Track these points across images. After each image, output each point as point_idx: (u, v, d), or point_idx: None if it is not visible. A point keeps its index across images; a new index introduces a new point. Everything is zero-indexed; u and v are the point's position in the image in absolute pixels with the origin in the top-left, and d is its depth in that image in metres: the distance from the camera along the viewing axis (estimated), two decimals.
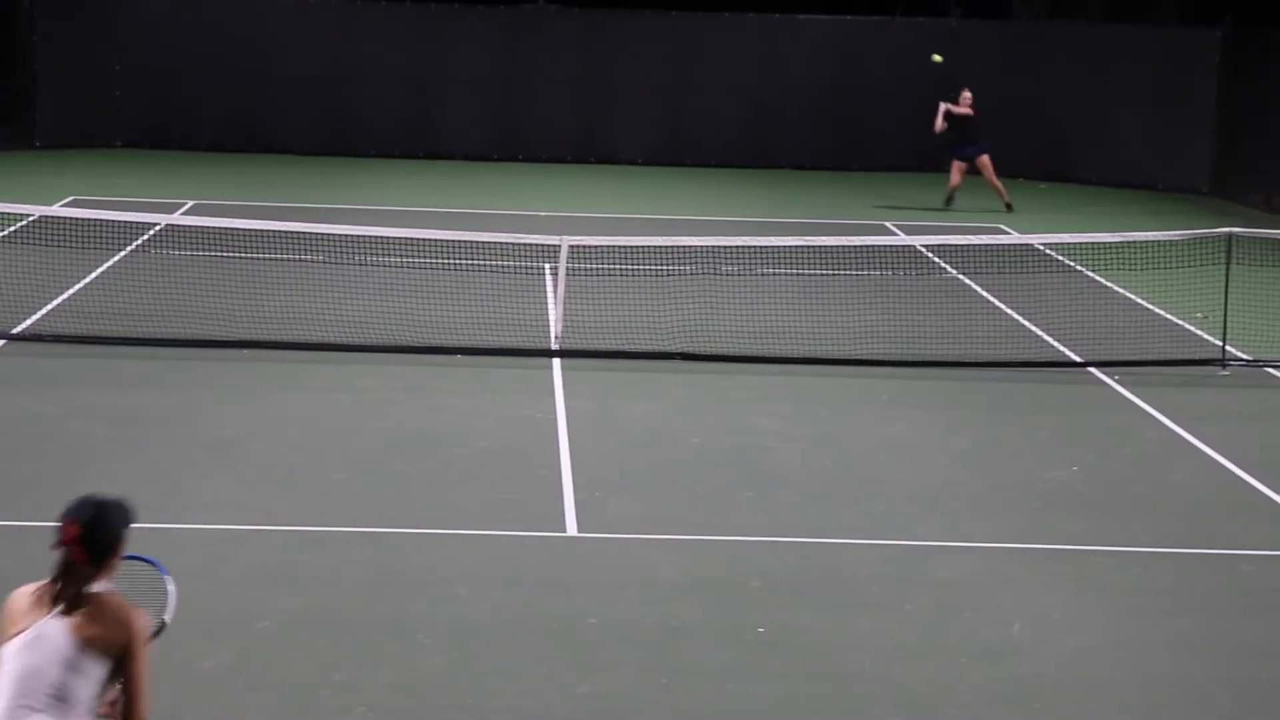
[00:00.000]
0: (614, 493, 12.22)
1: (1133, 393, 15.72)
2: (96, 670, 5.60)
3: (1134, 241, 19.12)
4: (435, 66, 31.78)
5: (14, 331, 16.31)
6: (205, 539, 10.94)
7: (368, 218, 22.39)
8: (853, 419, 14.55)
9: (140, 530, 11.12)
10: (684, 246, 19.22)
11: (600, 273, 19.10)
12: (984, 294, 19.89)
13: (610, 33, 32.15)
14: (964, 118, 27.09)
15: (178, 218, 18.87)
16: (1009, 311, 19.04)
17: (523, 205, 26.22)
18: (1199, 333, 18.09)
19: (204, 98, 31.38)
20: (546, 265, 19.28)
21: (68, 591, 5.65)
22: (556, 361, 16.11)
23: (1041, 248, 21.96)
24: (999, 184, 27.18)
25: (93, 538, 5.72)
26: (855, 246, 19.32)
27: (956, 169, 27.26)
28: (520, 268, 19.52)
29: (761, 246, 19.75)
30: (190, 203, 24.89)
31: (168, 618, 6.25)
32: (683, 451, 13.43)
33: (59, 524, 5.73)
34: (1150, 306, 19.43)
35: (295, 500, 11.78)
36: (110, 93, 31.29)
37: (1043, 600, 10.41)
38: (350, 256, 19.16)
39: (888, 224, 25.27)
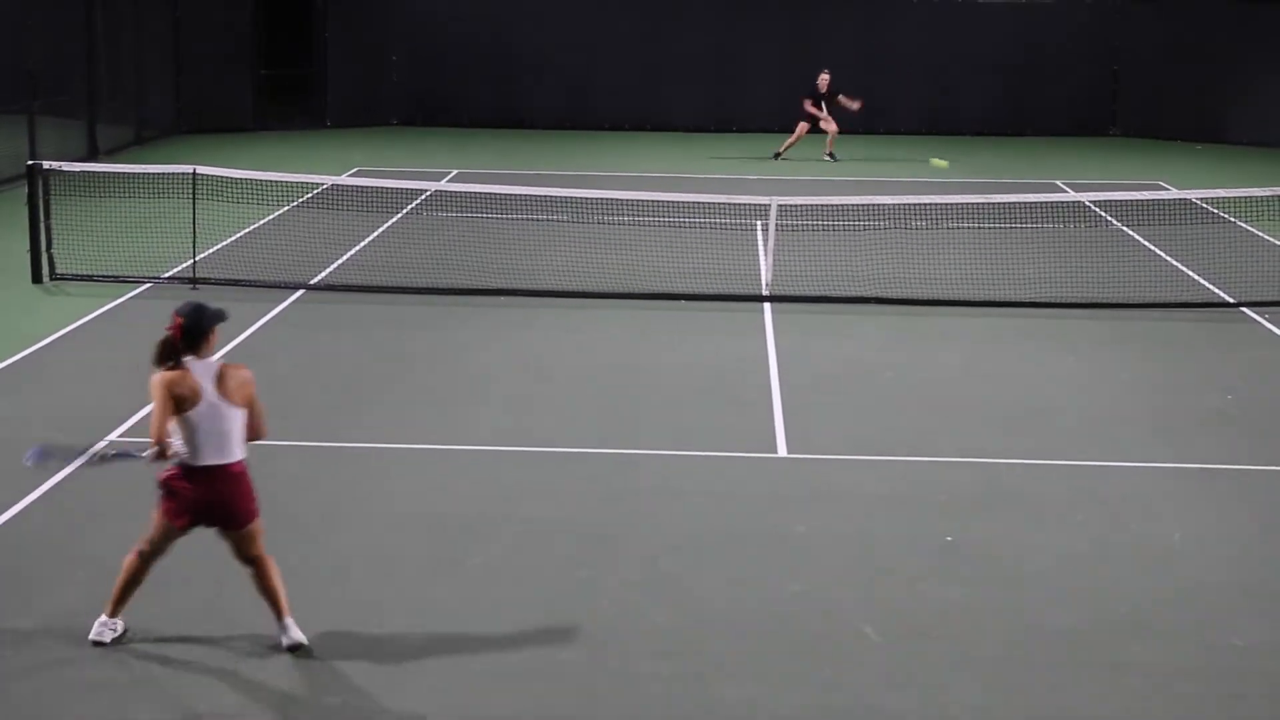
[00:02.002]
0: (818, 419, 12.11)
1: None
2: (244, 415, 7.59)
3: None
4: (660, 48, 31.73)
5: (311, 283, 16.66)
6: (469, 457, 11.08)
7: (602, 183, 22.46)
8: (1027, 355, 14.23)
9: (415, 450, 11.38)
10: (878, 205, 18.94)
11: (805, 229, 18.92)
12: (1145, 243, 19.32)
13: (814, 15, 31.77)
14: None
15: (444, 185, 19.07)
16: (1168, 259, 18.47)
17: (736, 170, 26.08)
18: None
19: (465, 81, 31.73)
20: (758, 222, 19.15)
21: (167, 361, 7.52)
22: (767, 306, 16.00)
23: (1198, 201, 21.23)
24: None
25: (189, 327, 7.55)
26: (1029, 203, 18.86)
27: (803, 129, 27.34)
28: (735, 224, 19.42)
29: (946, 204, 19.39)
30: (454, 171, 25.19)
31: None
32: (877, 384, 13.26)
33: (171, 319, 7.55)
34: None
35: (541, 424, 11.87)
36: (388, 78, 31.79)
37: (1201, 514, 10.10)
38: (587, 216, 19.22)
39: (1058, 182, 24.66)
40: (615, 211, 19.11)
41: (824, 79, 27.69)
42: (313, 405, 12.24)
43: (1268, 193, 18.48)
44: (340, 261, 17.68)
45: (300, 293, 16.23)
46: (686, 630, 8.20)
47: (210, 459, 7.52)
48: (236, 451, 7.60)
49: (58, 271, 16.53)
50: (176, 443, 7.52)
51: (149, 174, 18.27)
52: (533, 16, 31.82)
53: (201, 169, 16.92)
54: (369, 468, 10.77)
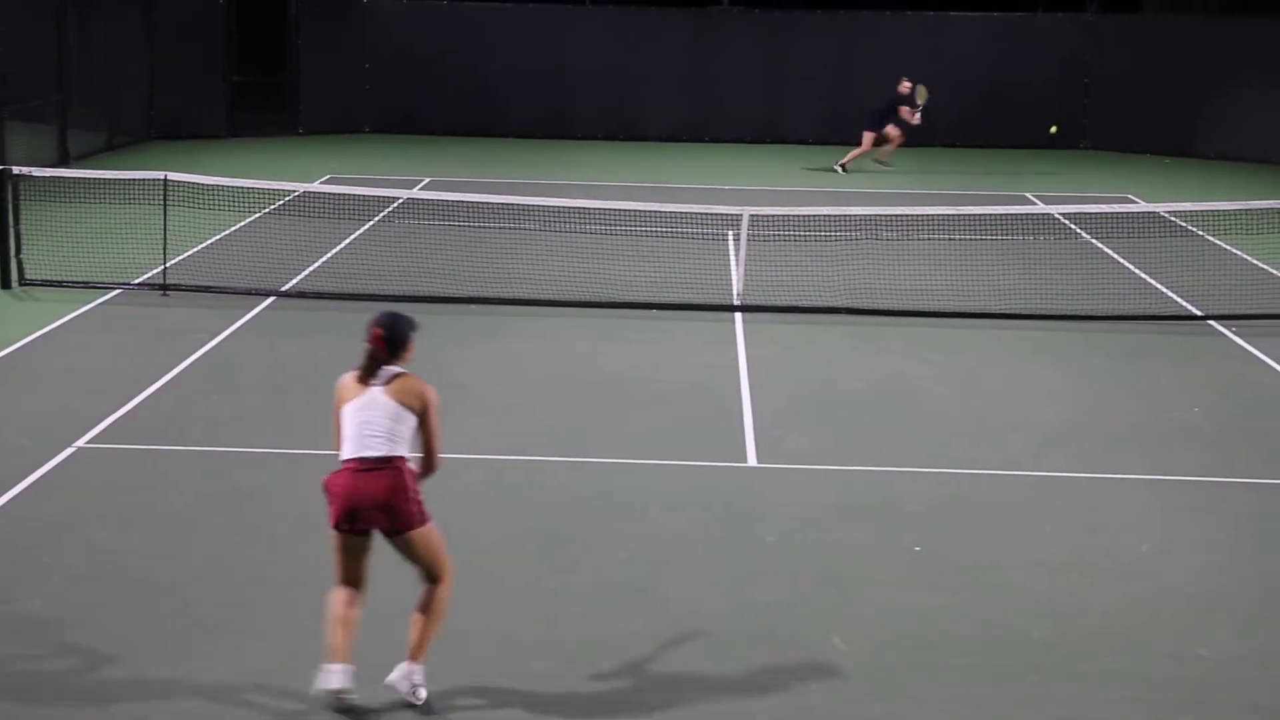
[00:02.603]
0: (789, 428, 12.12)
1: (1249, 343, 15.23)
2: (409, 420, 7.23)
3: (1251, 209, 18.52)
4: (635, 60, 31.76)
5: (283, 289, 16.60)
6: (447, 466, 11.00)
7: (575, 192, 22.45)
8: (997, 366, 14.27)
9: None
10: (849, 215, 18.98)
11: (777, 238, 18.94)
12: (1114, 256, 19.40)
13: (786, 30, 31.85)
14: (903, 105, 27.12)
15: (416, 193, 19.04)
16: (1136, 271, 18.55)
17: (709, 180, 26.11)
18: None
19: (439, 89, 31.70)
20: (730, 232, 19.17)
21: (371, 372, 7.26)
22: (738, 315, 16.01)
23: (1166, 215, 21.33)
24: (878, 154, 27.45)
25: (391, 335, 7.26)
26: (999, 215, 18.93)
27: (869, 138, 27.27)
28: (707, 234, 19.43)
29: (917, 215, 19.43)
30: (426, 179, 25.15)
31: None
32: (848, 393, 13.28)
33: (368, 327, 7.29)
34: (1264, 266, 18.80)
35: (512, 432, 11.85)
36: (361, 86, 31.73)
37: (1168, 525, 10.13)
38: (560, 225, 19.21)
39: (1027, 194, 24.76)
40: (588, 220, 19.11)
41: (906, 86, 27.38)
42: (283, 412, 12.19)
43: (1235, 206, 18.60)
44: (312, 268, 17.63)
45: (271, 299, 16.16)
46: (656, 639, 8.19)
47: (349, 452, 7.21)
48: (381, 449, 7.17)
49: (27, 277, 16.43)
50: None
51: (120, 180, 18.19)
52: (507, 25, 31.82)
53: (173, 175, 16.85)
54: None
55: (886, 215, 19.04)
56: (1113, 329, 15.82)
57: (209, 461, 10.95)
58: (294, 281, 16.98)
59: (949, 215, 19.24)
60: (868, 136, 27.51)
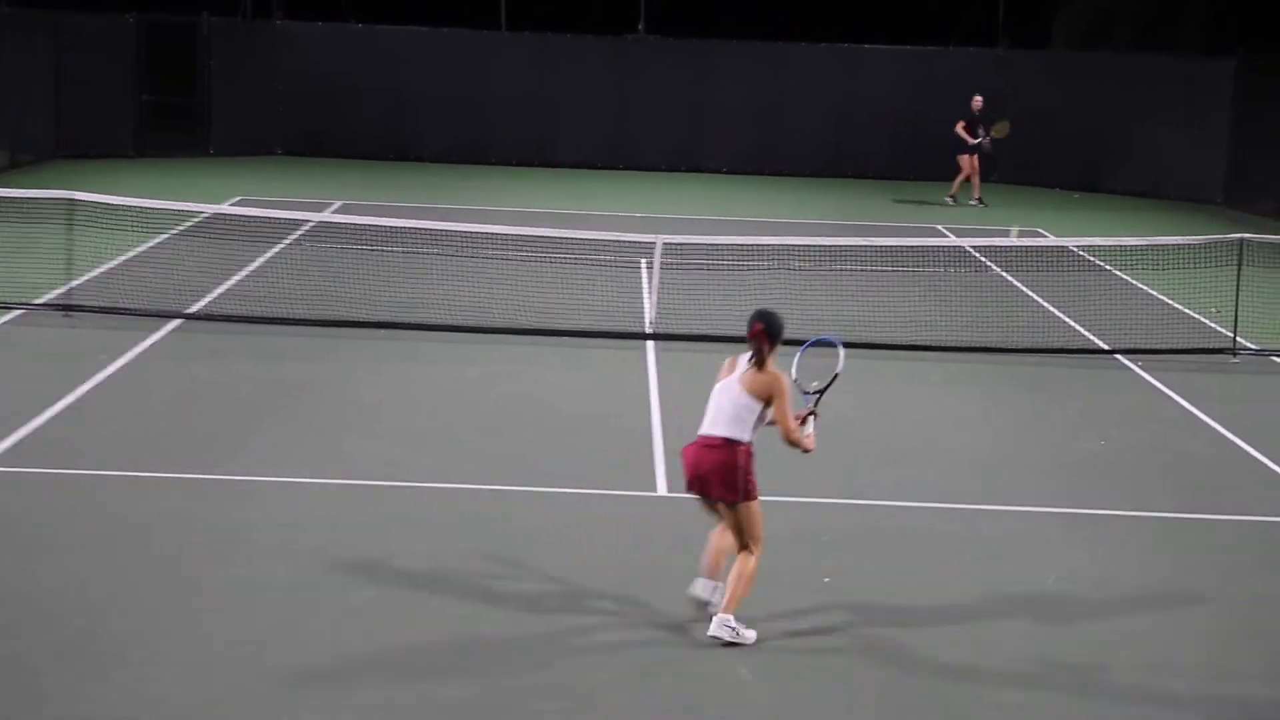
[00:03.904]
0: None
1: (1154, 377, 15.48)
2: (756, 408, 8.53)
3: (1157, 245, 18.86)
4: (551, 86, 31.80)
5: (189, 311, 16.44)
6: (351, 491, 10.98)
7: (490, 217, 22.42)
8: (909, 397, 14.40)
9: (294, 484, 11.23)
10: (763, 245, 19.09)
11: (690, 267, 19.02)
12: (1024, 289, 19.65)
13: (703, 59, 32.03)
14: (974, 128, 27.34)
15: (328, 216, 18.94)
16: (1045, 305, 18.80)
17: (623, 208, 26.18)
18: (1213, 325, 17.78)
19: (353, 113, 31.56)
20: (643, 260, 19.21)
21: (759, 360, 8.59)
22: (650, 344, 16.05)
23: (1075, 249, 21.65)
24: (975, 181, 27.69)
25: (769, 330, 8.65)
26: (911, 247, 19.12)
27: (968, 163, 27.54)
28: (620, 262, 19.47)
29: (830, 246, 19.59)
30: (339, 203, 25.02)
31: (838, 369, 9.05)
32: None
33: (750, 323, 8.63)
34: (1170, 302, 19.12)
35: (425, 459, 11.80)
36: (274, 108, 31.53)
37: (1075, 556, 10.26)
38: (474, 251, 19.17)
39: (939, 227, 25.03)
40: (502, 246, 19.09)
41: (978, 102, 27.49)
42: (189, 437, 12.06)
43: (1142, 242, 18.93)
44: (220, 291, 17.48)
45: (178, 322, 16.01)
46: (567, 667, 8.17)
47: (702, 429, 8.59)
48: (722, 430, 8.51)
49: None
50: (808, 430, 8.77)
51: (24, 198, 17.94)
52: (423, 49, 31.76)
53: (78, 195, 16.64)
54: (248, 501, 10.64)
55: (799, 245, 19.18)
56: (1023, 361, 16.02)
57: (112, 486, 10.80)
58: (202, 304, 16.82)
59: (862, 246, 19.43)
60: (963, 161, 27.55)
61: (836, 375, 9.06)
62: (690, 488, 8.71)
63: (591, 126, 31.92)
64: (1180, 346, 16.59)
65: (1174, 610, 9.43)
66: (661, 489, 11.36)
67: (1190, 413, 14.25)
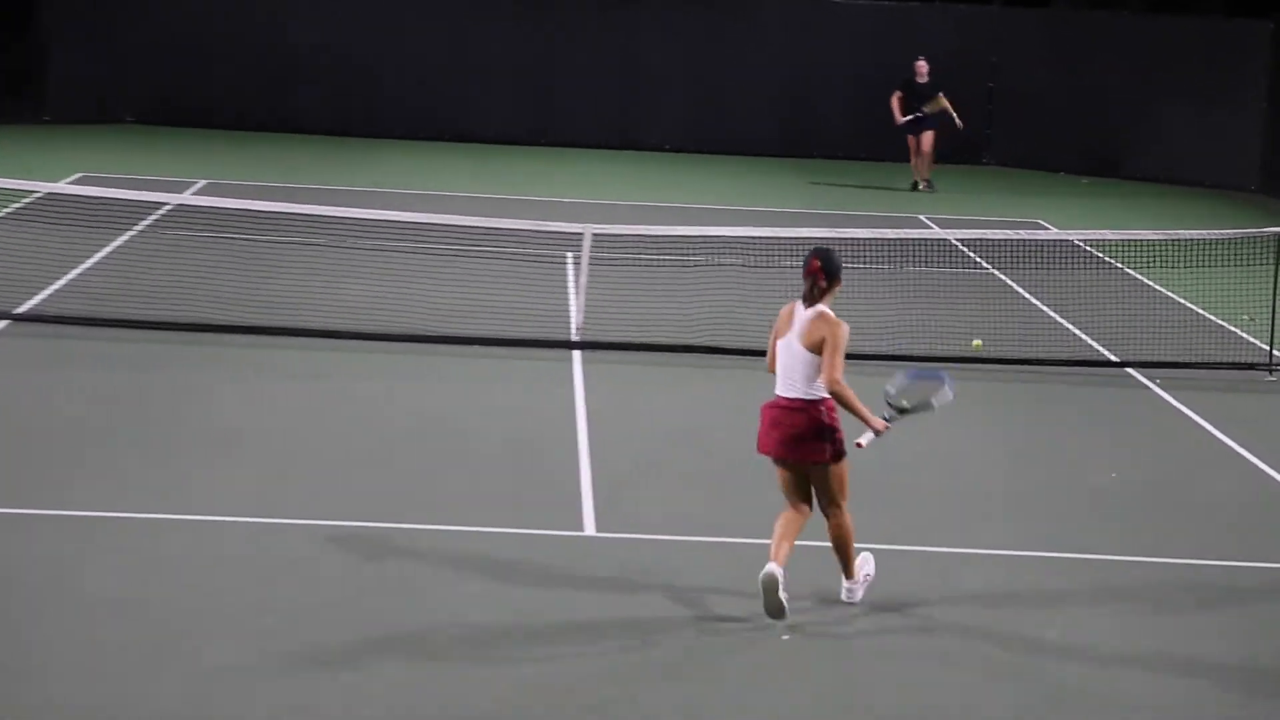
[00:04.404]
0: (634, 491, 12.14)
1: (1174, 396, 15.61)
2: (808, 361, 9.68)
3: (1178, 239, 19.00)
4: (460, 46, 31.74)
5: (17, 312, 16.31)
6: (211, 531, 10.89)
7: (386, 201, 22.35)
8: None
9: (139, 520, 11.14)
10: (711, 237, 19.12)
11: (624, 262, 19.03)
12: (1020, 290, 19.79)
13: (636, 16, 32.07)
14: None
15: (189, 197, 18.86)
16: (1045, 309, 18.94)
17: (546, 192, 26.19)
18: (1245, 336, 17.96)
19: (219, 73, 31.38)
20: (569, 254, 19.21)
21: (813, 298, 9.72)
22: (576, 354, 16.04)
23: (1081, 244, 21.82)
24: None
25: (827, 267, 9.76)
26: (888, 240, 19.20)
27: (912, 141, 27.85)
28: (542, 256, 19.46)
29: (791, 238, 19.64)
30: (202, 182, 24.89)
31: (935, 404, 10.16)
32: (706, 449, 13.34)
33: (807, 260, 9.74)
34: (1193, 307, 19.31)
35: (302, 493, 11.73)
36: (122, 66, 31.29)
37: (1078, 611, 10.31)
38: (366, 241, 19.11)
39: (921, 216, 25.18)
40: (398, 236, 19.03)
41: (922, 67, 27.60)
42: (11, 464, 11.94)
43: (1161, 236, 19.05)
44: (55, 287, 17.35)
45: (3, 325, 15.87)
46: None
47: (779, 390, 9.76)
48: (800, 391, 9.65)
49: None
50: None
51: None
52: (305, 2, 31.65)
53: None
54: (81, 541, 10.53)
55: (753, 238, 19.22)
56: (1017, 377, 16.12)
57: None
58: (33, 302, 16.68)
59: (828, 238, 19.46)
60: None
61: (931, 408, 10.14)
62: (771, 453, 9.80)
63: (507, 95, 31.89)
64: (1205, 360, 16.76)
65: (1193, 674, 9.48)
66: (589, 528, 11.33)
67: (1217, 440, 14.38)
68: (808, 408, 9.66)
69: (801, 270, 9.81)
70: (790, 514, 9.79)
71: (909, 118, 27.75)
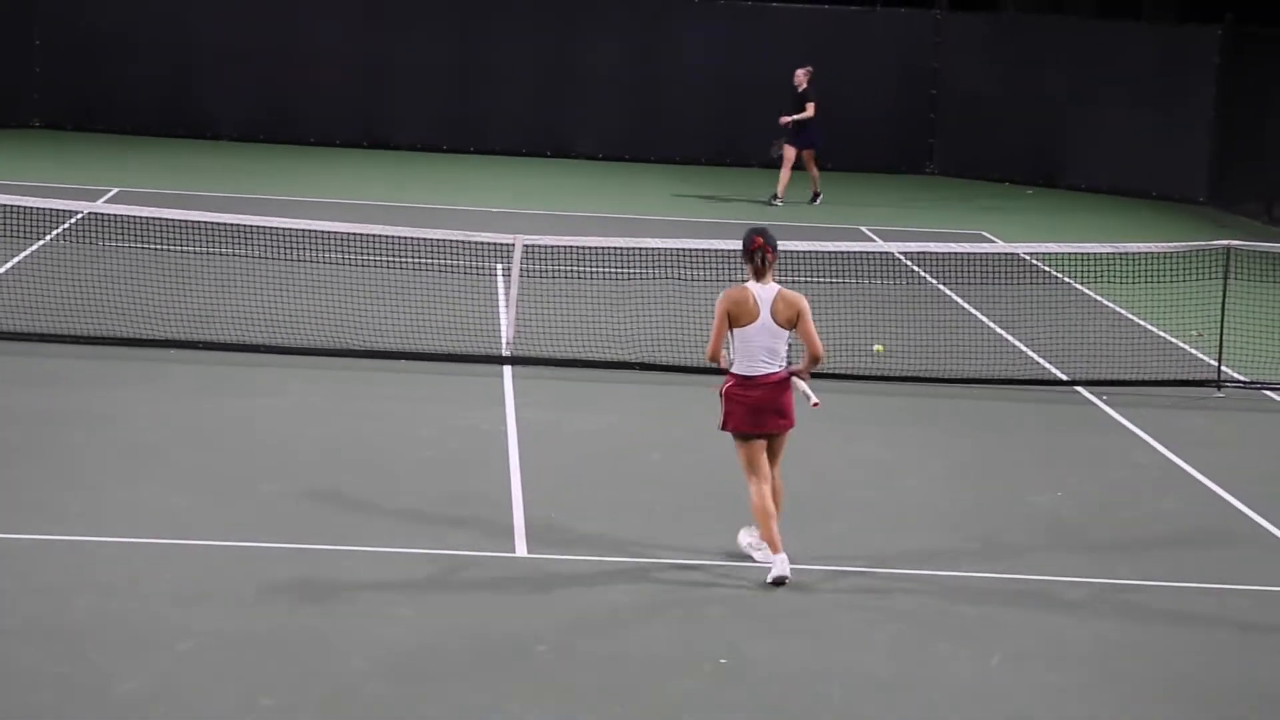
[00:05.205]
0: (567, 511, 12.19)
1: (1121, 414, 15.78)
2: (784, 335, 10.96)
3: (1125, 253, 19.14)
4: (382, 48, 31.69)
5: None
6: (125, 552, 10.88)
7: (306, 210, 22.32)
8: (820, 438, 14.52)
9: (54, 542, 11.12)
10: (647, 249, 19.19)
11: (556, 274, 19.07)
12: (964, 305, 19.93)
13: (569, 17, 32.10)
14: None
15: (100, 205, 18.77)
16: (990, 324, 19.07)
17: (475, 200, 26.19)
18: (1193, 351, 18.16)
19: (131, 76, 31.22)
20: (499, 265, 19.25)
21: (764, 271, 10.98)
22: (507, 369, 16.08)
23: (1027, 257, 21.98)
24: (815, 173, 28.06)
25: (769, 240, 11.03)
26: (828, 252, 19.29)
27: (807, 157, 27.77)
28: (470, 268, 19.47)
29: (729, 250, 19.73)
30: (114, 189, 24.76)
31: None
32: (641, 468, 13.42)
33: (749, 238, 10.99)
34: (1141, 323, 19.49)
35: (222, 513, 11.72)
36: (28, 68, 31.11)
37: (1022, 633, 10.43)
38: (286, 252, 19.06)
39: (862, 228, 25.31)
40: (320, 247, 19.02)
41: (801, 77, 27.53)
42: None
43: (1107, 249, 19.19)
44: None
45: None
46: None
47: (757, 370, 10.92)
48: (779, 365, 10.95)
49: None
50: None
51: None
52: (219, 1, 31.53)
53: None
54: None
55: (691, 250, 19.31)
56: (960, 394, 16.25)
57: None
58: None
59: None
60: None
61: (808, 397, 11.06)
62: (755, 427, 10.92)
63: (434, 99, 31.85)
64: (1154, 378, 16.92)
65: (1141, 699, 9.61)
66: (520, 549, 11.39)
67: (1165, 457, 14.54)
68: (786, 380, 10.96)
69: (742, 252, 10.99)
70: (763, 488, 10.91)
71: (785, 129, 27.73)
